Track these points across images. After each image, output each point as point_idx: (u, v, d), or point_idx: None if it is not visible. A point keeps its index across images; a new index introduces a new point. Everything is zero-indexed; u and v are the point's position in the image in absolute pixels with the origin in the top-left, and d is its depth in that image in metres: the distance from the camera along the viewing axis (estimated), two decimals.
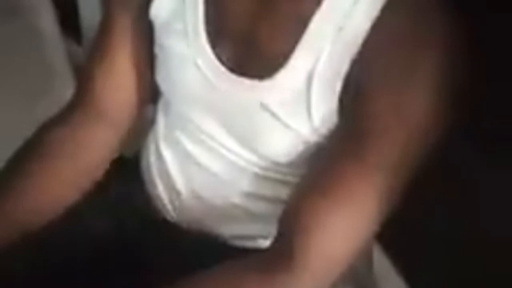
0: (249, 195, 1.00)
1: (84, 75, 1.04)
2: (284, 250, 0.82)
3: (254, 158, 0.95)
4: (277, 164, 0.94)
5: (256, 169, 0.96)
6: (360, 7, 0.80)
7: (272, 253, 0.85)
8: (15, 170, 1.00)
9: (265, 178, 0.97)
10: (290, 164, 0.93)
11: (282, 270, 0.82)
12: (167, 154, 1.06)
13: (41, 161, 1.00)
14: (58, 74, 1.93)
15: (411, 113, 0.80)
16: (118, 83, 1.01)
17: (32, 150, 1.01)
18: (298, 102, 0.85)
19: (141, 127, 1.15)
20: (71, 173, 1.02)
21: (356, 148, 0.81)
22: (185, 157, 1.03)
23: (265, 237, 1.03)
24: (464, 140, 0.97)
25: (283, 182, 0.96)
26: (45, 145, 1.01)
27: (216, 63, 0.90)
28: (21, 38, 2.06)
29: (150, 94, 1.05)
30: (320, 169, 0.83)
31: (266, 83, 0.86)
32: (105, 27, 1.01)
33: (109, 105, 1.02)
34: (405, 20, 0.79)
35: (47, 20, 2.04)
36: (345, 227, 0.82)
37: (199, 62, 0.92)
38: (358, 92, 0.81)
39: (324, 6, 0.82)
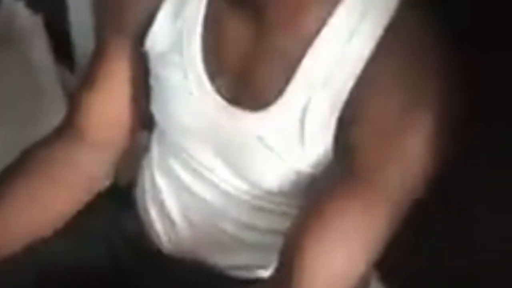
0: (243, 225, 0.99)
1: (74, 100, 1.04)
2: (285, 280, 0.82)
3: (248, 188, 0.95)
4: (271, 194, 0.94)
5: (250, 199, 0.96)
6: (353, 47, 0.81)
7: (273, 283, 0.86)
8: None
9: (259, 209, 0.97)
10: (284, 195, 0.93)
11: None
12: (162, 183, 1.06)
13: (21, 180, 1.00)
14: (51, 101, 1.92)
15: (411, 151, 0.80)
16: (108, 109, 1.01)
17: (13, 170, 1.00)
18: (292, 136, 0.86)
19: (135, 155, 1.15)
20: (51, 196, 1.01)
21: (356, 182, 0.82)
22: (180, 186, 1.02)
23: (262, 267, 1.03)
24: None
25: (277, 213, 0.97)
26: (26, 165, 1.01)
27: (214, 95, 0.90)
28: (14, 66, 2.05)
29: (143, 121, 1.04)
30: (320, 200, 0.84)
31: (261, 116, 0.87)
32: (98, 53, 1.01)
33: (97, 131, 1.01)
34: (399, 59, 0.79)
35: (40, 49, 2.03)
36: (346, 256, 0.82)
37: (196, 94, 0.92)
38: (354, 130, 0.82)
39: (316, 45, 0.83)
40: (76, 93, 1.04)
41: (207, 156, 0.95)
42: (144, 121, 1.05)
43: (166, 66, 0.94)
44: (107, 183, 1.10)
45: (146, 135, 1.10)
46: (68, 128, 1.02)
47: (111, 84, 1.00)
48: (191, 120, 0.94)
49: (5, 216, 0.98)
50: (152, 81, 0.99)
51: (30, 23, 2.04)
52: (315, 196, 0.85)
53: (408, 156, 0.80)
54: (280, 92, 0.85)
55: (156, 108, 1.00)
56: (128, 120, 1.02)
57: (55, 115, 1.75)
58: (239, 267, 1.04)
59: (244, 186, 0.95)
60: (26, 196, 0.99)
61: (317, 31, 0.83)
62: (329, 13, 0.82)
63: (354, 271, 0.83)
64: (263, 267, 1.03)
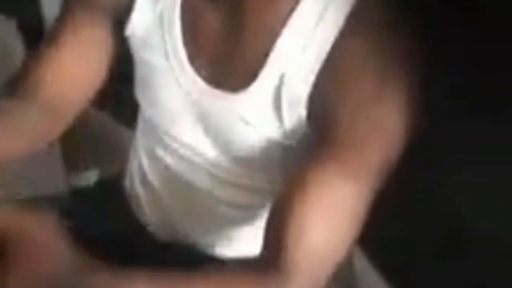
0: (226, 202, 1.03)
1: (31, 56, 1.03)
2: (272, 257, 0.83)
3: (230, 165, 0.98)
4: (249, 169, 0.98)
5: (233, 177, 1.00)
6: (321, 29, 0.85)
7: (260, 260, 0.86)
8: None
9: (241, 186, 1.01)
10: (265, 169, 0.97)
11: (274, 274, 0.82)
12: (149, 169, 1.08)
13: None
14: None
15: (386, 122, 0.84)
16: (64, 69, 0.99)
17: None
18: (270, 113, 0.90)
19: (120, 147, 1.17)
20: None
21: (336, 155, 0.84)
22: (166, 170, 1.05)
23: (244, 243, 1.07)
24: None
25: (257, 189, 1.01)
26: None
27: (195, 77, 0.94)
28: None
29: (100, 98, 1.04)
30: (301, 174, 0.85)
31: (241, 96, 0.91)
32: (63, 18, 1.01)
33: (50, 88, 0.99)
34: (363, 41, 0.83)
35: (16, 52, 2.04)
36: (331, 229, 0.83)
37: (178, 75, 0.95)
38: (327, 104, 0.85)
39: (289, 26, 0.87)
40: (32, 55, 1.03)
41: (192, 137, 0.98)
42: (102, 99, 1.05)
43: (148, 50, 0.97)
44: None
45: (129, 129, 1.13)
46: (19, 84, 1.00)
47: (71, 47, 0.99)
48: (175, 102, 0.96)
49: None
50: (136, 65, 1.01)
51: (5, 28, 2.05)
52: (296, 170, 0.86)
53: (385, 127, 0.84)
54: (255, 73, 0.89)
55: (140, 92, 1.02)
56: (83, 87, 1.02)
57: None
58: (223, 244, 1.08)
59: (226, 163, 0.98)
60: None
61: (288, 15, 0.87)
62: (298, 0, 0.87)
63: (340, 244, 0.84)
64: (245, 243, 1.06)
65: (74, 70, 1.00)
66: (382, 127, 0.84)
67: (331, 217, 0.83)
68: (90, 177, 1.58)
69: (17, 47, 2.03)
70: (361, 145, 0.84)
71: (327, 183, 0.83)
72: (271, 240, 0.84)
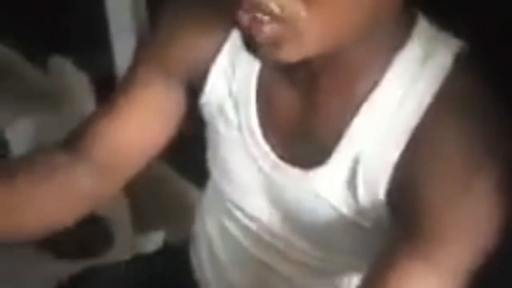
0: (297, 284, 0.99)
1: (89, 118, 1.00)
2: None
3: (306, 245, 0.94)
4: (325, 251, 0.94)
5: (302, 256, 0.96)
6: (405, 109, 0.81)
7: None
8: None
9: (315, 269, 0.96)
10: (338, 251, 0.93)
11: None
12: (217, 241, 1.05)
13: (22, 174, 0.97)
14: None
15: (475, 217, 0.79)
16: (119, 135, 0.97)
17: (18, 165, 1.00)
18: (344, 190, 0.86)
19: (189, 213, 1.14)
20: (43, 196, 0.98)
21: (422, 251, 0.79)
22: (235, 244, 1.02)
23: None
24: None
25: (328, 272, 0.97)
26: (32, 164, 0.99)
27: (269, 152, 0.91)
28: (63, 124, 2.07)
29: (150, 160, 1.01)
30: (384, 270, 0.80)
31: (315, 173, 0.87)
32: (126, 80, 0.98)
33: (103, 155, 0.97)
34: (455, 120, 0.79)
35: (87, 106, 2.05)
36: None
37: (252, 151, 0.92)
38: (410, 190, 0.80)
39: (369, 104, 0.83)
40: (95, 112, 1.01)
41: (262, 212, 0.95)
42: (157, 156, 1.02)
43: (222, 121, 0.95)
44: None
45: (199, 192, 1.09)
46: (75, 141, 0.98)
47: (137, 109, 0.96)
48: (246, 174, 0.94)
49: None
50: (208, 132, 0.99)
51: (77, 81, 2.07)
52: (377, 261, 0.82)
53: (474, 220, 0.79)
54: (330, 151, 0.86)
55: (211, 158, 1.00)
56: (141, 152, 1.00)
57: None
58: None
59: (301, 244, 0.94)
60: (24, 187, 0.96)
61: (369, 93, 0.83)
62: (381, 76, 0.83)
63: None
64: None
65: (135, 134, 0.97)
66: (471, 220, 0.79)
67: None
68: (155, 239, 1.55)
69: (88, 101, 2.04)
70: (449, 241, 0.78)
71: (412, 283, 0.79)
72: None
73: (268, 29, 0.74)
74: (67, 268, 1.22)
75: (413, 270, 0.79)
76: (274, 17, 0.73)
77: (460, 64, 0.80)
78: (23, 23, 2.17)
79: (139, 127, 0.97)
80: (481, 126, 0.78)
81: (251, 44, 0.77)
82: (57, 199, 0.98)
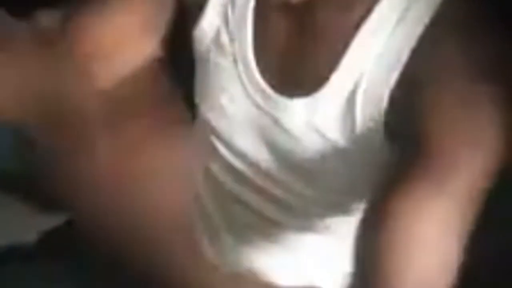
0: (288, 228, 0.99)
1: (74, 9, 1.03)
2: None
3: (296, 185, 0.94)
4: (317, 189, 0.93)
5: (297, 199, 0.95)
6: (403, 27, 0.82)
7: None
8: None
9: (304, 209, 0.96)
10: (334, 188, 0.92)
11: None
12: (202, 187, 1.04)
13: None
14: None
15: (480, 133, 0.78)
16: (100, 27, 1.00)
17: None
18: (342, 119, 0.86)
19: None
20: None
21: (428, 173, 0.77)
22: (219, 188, 1.01)
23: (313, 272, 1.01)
24: None
25: (322, 214, 0.96)
26: None
27: (261, 82, 0.91)
28: None
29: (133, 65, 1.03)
30: (392, 197, 0.78)
31: (309, 102, 0.87)
32: None
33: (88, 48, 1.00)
34: (454, 37, 0.80)
35: None
36: (436, 253, 0.77)
37: (244, 79, 0.92)
38: (410, 111, 0.80)
39: (366, 28, 0.84)
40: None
41: (252, 150, 0.94)
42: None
43: (215, 51, 0.95)
44: None
45: None
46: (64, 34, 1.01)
47: (115, 9, 0.99)
48: (237, 108, 0.93)
49: None
50: (198, 65, 0.98)
51: None
52: (382, 192, 0.80)
53: (480, 136, 0.78)
54: (327, 77, 0.86)
55: (201, 93, 0.99)
56: (118, 48, 1.01)
57: None
58: (284, 271, 1.02)
59: (291, 183, 0.94)
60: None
61: (365, 17, 0.84)
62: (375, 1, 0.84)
63: (448, 267, 0.77)
64: (308, 270, 1.01)
65: (115, 29, 1.00)
66: (477, 138, 0.78)
67: (433, 241, 0.77)
68: None
69: None
70: (456, 158, 0.77)
71: (421, 205, 0.76)
72: (370, 278, 0.78)
73: None
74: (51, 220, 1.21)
75: (421, 192, 0.76)
76: None
77: None
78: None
79: (121, 25, 1.00)
80: (481, 42, 0.78)
81: None
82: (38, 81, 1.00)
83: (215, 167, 1.01)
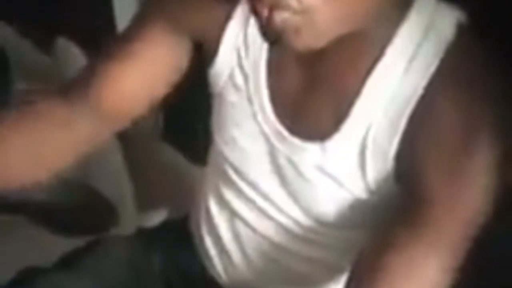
0: (298, 257, 0.99)
1: (92, 62, 1.01)
2: None
3: (303, 217, 0.94)
4: (328, 225, 0.93)
5: (306, 231, 0.96)
6: (410, 77, 0.82)
7: None
8: None
9: (312, 241, 0.97)
10: (342, 226, 0.93)
11: None
12: (216, 215, 1.05)
13: (22, 123, 0.98)
14: None
15: (468, 194, 0.80)
16: (124, 82, 0.97)
17: (14, 115, 1.00)
18: (352, 165, 0.87)
19: (188, 187, 1.14)
20: (48, 138, 0.99)
21: (425, 217, 0.81)
22: (234, 217, 1.02)
23: None
24: None
25: (330, 246, 0.97)
26: (28, 113, 0.99)
27: (275, 122, 0.91)
28: None
29: (148, 111, 1.01)
30: (388, 234, 0.83)
31: (321, 146, 0.88)
32: (130, 31, 0.98)
33: (106, 100, 0.98)
34: (456, 93, 0.80)
35: None
36: None
37: (259, 118, 0.92)
38: (414, 159, 0.82)
39: (374, 77, 0.84)
40: (100, 58, 1.00)
41: (265, 182, 0.95)
42: (150, 113, 1.03)
43: (230, 89, 0.95)
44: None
45: (199, 169, 1.09)
46: (75, 87, 0.99)
47: (134, 59, 0.96)
48: (251, 143, 0.94)
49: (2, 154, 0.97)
50: (215, 102, 0.99)
51: (79, 63, 2.06)
52: (381, 230, 0.84)
53: (471, 190, 0.80)
54: (339, 123, 0.86)
55: (216, 128, 1.00)
56: (136, 101, 0.99)
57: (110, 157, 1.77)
58: None
59: (300, 216, 0.94)
60: (25, 136, 0.98)
61: (374, 64, 0.84)
62: (385, 47, 0.83)
63: None
64: None
65: (135, 81, 0.97)
66: (467, 193, 0.80)
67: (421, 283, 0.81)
68: (158, 217, 1.56)
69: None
70: (453, 202, 0.80)
71: (412, 265, 0.81)
72: None
73: (286, 20, 0.75)
74: (70, 245, 1.23)
75: (412, 253, 0.80)
76: (293, 11, 0.74)
77: (462, 34, 0.81)
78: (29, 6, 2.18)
79: (140, 75, 0.97)
80: (482, 97, 0.79)
81: (268, 33, 0.77)
82: (55, 142, 0.99)
83: (227, 192, 1.02)
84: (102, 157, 1.60)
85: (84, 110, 0.97)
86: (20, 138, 0.97)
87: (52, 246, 1.27)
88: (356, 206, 0.89)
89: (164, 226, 1.17)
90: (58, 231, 1.54)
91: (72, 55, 2.09)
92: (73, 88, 0.99)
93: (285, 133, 0.91)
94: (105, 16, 1.91)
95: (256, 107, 0.92)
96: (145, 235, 1.18)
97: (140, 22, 0.97)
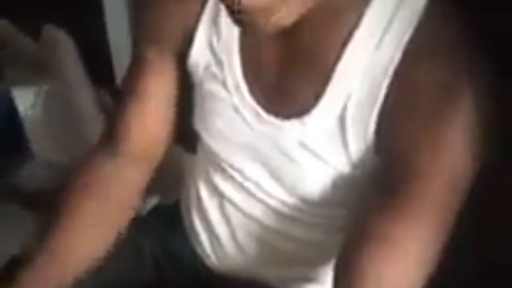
0: (285, 238, 1.00)
1: (112, 113, 1.04)
2: None
3: (291, 198, 0.95)
4: (314, 204, 0.94)
5: (293, 211, 0.96)
6: (384, 49, 0.82)
7: None
8: (54, 223, 1.01)
9: (300, 220, 0.97)
10: (328, 204, 0.93)
11: None
12: (206, 199, 1.07)
13: (78, 204, 1.01)
14: (92, 128, 1.92)
15: (449, 157, 0.80)
16: (146, 122, 1.01)
17: (67, 194, 1.02)
18: (334, 138, 0.87)
19: (180, 173, 1.15)
20: (108, 215, 1.02)
21: (402, 194, 0.81)
22: (223, 201, 1.03)
23: (309, 281, 1.03)
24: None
25: (320, 225, 0.97)
26: (79, 187, 1.02)
27: (253, 104, 0.92)
28: (56, 95, 2.07)
29: (176, 133, 1.04)
30: (369, 219, 0.83)
31: (301, 122, 0.88)
32: (136, 67, 1.01)
33: (136, 144, 1.02)
34: (431, 61, 0.80)
35: (78, 76, 2.05)
36: (403, 275, 0.82)
37: (237, 104, 0.93)
38: (391, 133, 0.82)
39: (349, 49, 0.84)
40: (114, 106, 1.05)
41: (250, 167, 0.96)
42: (177, 135, 1.05)
43: (208, 80, 0.96)
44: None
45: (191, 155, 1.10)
46: (108, 142, 1.03)
47: (150, 97, 1.00)
48: (233, 132, 0.95)
49: (66, 243, 0.99)
50: (195, 95, 1.00)
51: (67, 49, 2.06)
52: (364, 213, 0.84)
53: (450, 160, 0.80)
54: (317, 97, 0.86)
55: (199, 121, 1.01)
56: (165, 133, 1.03)
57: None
58: (288, 282, 1.04)
59: (287, 197, 0.95)
60: (85, 219, 1.01)
61: (349, 36, 0.84)
62: (359, 18, 0.83)
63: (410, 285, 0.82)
64: (312, 281, 1.03)
65: (155, 123, 1.01)
66: (447, 162, 0.80)
67: (403, 264, 0.82)
68: (150, 204, 1.57)
69: (76, 69, 2.04)
70: (435, 173, 0.80)
71: (396, 229, 0.81)
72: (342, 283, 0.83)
73: (255, 1, 0.74)
74: None
75: (395, 228, 0.81)
76: None
77: (435, 2, 0.81)
78: None
79: (161, 110, 1.01)
80: (459, 63, 0.79)
81: (239, 17, 0.77)
82: (112, 216, 1.03)
83: (216, 177, 1.03)
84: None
85: (125, 161, 1.02)
86: (80, 224, 1.01)
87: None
88: (340, 183, 0.90)
89: (155, 212, 1.18)
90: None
91: (60, 42, 2.09)
92: (105, 143, 1.03)
93: (263, 112, 0.91)
94: (93, 2, 1.91)
95: (232, 90, 0.93)
96: (136, 221, 1.16)
97: (138, 59, 1.00)
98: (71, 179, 1.03)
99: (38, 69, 2.13)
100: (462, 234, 0.84)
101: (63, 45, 2.08)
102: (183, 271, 1.13)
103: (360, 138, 0.85)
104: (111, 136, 1.02)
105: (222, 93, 0.94)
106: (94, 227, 1.01)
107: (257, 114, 0.92)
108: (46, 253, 0.99)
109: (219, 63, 0.94)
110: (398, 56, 0.81)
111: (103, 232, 1.02)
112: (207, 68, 0.95)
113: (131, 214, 1.05)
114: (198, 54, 0.95)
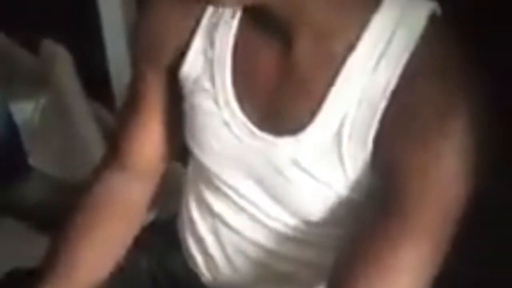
0: (281, 257, 0.99)
1: (115, 133, 1.06)
2: None
3: (285, 217, 0.94)
4: (309, 223, 0.93)
5: (287, 230, 0.96)
6: (382, 69, 0.81)
7: None
8: (61, 244, 1.02)
9: (296, 240, 0.97)
10: (323, 223, 0.92)
11: None
12: (197, 217, 1.07)
13: (88, 225, 1.03)
14: (89, 143, 1.93)
15: (441, 180, 0.81)
16: (149, 140, 1.03)
17: (76, 216, 1.04)
18: (329, 157, 0.86)
19: (178, 187, 1.15)
20: (118, 234, 1.05)
21: (395, 215, 0.82)
22: (214, 219, 1.03)
23: None
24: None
25: (314, 244, 0.97)
26: (88, 208, 1.04)
27: (245, 121, 0.91)
28: (53, 109, 2.08)
29: (177, 150, 1.07)
30: (362, 239, 0.84)
31: (294, 140, 0.87)
32: (135, 89, 1.02)
33: (140, 162, 1.04)
34: (427, 84, 0.80)
35: (74, 91, 2.05)
36: None
37: (228, 120, 0.92)
38: (386, 154, 0.82)
39: (346, 70, 0.83)
40: (117, 128, 1.06)
41: (243, 184, 0.95)
42: (178, 151, 1.07)
43: (198, 94, 0.95)
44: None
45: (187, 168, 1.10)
46: (112, 161, 1.05)
47: (150, 116, 1.01)
48: (224, 147, 0.94)
49: (75, 259, 1.01)
50: (186, 110, 0.99)
51: (63, 64, 2.07)
52: (357, 234, 0.85)
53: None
54: (313, 114, 0.85)
55: (189, 136, 1.00)
56: (168, 148, 1.05)
57: (95, 156, 1.78)
58: None
59: (280, 215, 0.95)
60: (94, 235, 1.03)
61: (346, 56, 0.83)
62: (357, 38, 0.83)
63: None
64: None
65: (157, 141, 1.04)
66: (442, 185, 0.81)
67: (396, 282, 0.82)
68: (147, 218, 1.57)
69: (72, 83, 2.05)
70: (430, 190, 0.81)
71: (389, 252, 0.82)
72: None
73: None
74: None
75: (390, 245, 0.81)
76: None
77: (434, 25, 0.81)
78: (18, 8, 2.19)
79: (162, 128, 1.03)
80: (455, 87, 0.79)
81: None
82: (120, 233, 1.06)
83: (208, 196, 1.02)
84: (92, 157, 1.61)
85: (130, 179, 1.04)
86: (89, 241, 1.02)
87: (41, 246, 1.28)
88: (337, 202, 0.89)
89: (152, 227, 1.18)
90: (44, 229, 1.56)
91: (58, 56, 2.10)
92: (109, 162, 1.05)
93: (255, 129, 0.90)
94: (91, 18, 1.92)
95: (223, 108, 0.92)
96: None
97: (137, 78, 1.02)
98: (80, 197, 1.05)
99: (36, 83, 2.14)
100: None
101: (61, 60, 2.09)
102: (180, 287, 1.13)
103: (356, 157, 0.84)
104: (115, 154, 1.04)
105: (213, 108, 0.93)
106: (103, 244, 1.03)
107: (249, 130, 0.91)
108: (54, 270, 1.00)
109: (211, 78, 0.93)
110: (395, 78, 0.80)
111: (111, 248, 1.04)
112: (196, 80, 0.94)
113: (137, 229, 1.07)
114: (191, 67, 0.95)
